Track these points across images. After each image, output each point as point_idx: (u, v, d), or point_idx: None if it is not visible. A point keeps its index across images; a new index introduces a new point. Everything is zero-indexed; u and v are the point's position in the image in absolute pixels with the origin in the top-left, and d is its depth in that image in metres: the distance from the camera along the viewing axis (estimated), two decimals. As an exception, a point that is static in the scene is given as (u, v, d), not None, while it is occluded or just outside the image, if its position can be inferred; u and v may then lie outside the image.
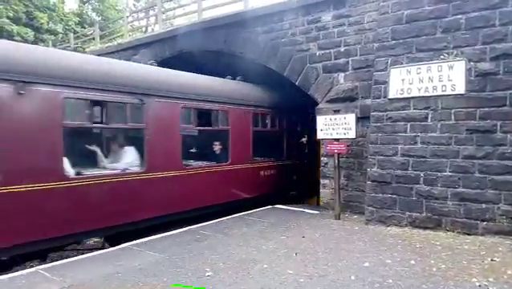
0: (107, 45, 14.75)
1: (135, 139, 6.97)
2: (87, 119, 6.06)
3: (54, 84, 5.50)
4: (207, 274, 4.61)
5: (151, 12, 20.72)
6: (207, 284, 4.29)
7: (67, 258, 5.70)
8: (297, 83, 9.08)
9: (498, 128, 6.03)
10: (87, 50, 15.33)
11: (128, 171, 6.59)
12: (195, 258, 5.23)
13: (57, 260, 5.58)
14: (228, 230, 6.72)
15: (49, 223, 5.47)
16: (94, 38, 17.69)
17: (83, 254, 5.81)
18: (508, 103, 5.98)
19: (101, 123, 6.27)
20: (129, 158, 6.83)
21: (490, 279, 4.24)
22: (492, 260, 4.86)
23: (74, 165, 5.91)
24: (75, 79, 5.74)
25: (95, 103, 6.05)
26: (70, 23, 24.75)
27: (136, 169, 6.70)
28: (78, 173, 5.92)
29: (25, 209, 5.22)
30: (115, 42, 14.40)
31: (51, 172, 5.48)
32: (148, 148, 6.72)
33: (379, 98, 7.26)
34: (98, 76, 6.10)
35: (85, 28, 24.97)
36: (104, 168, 6.63)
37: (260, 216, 7.98)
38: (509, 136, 5.94)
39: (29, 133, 5.27)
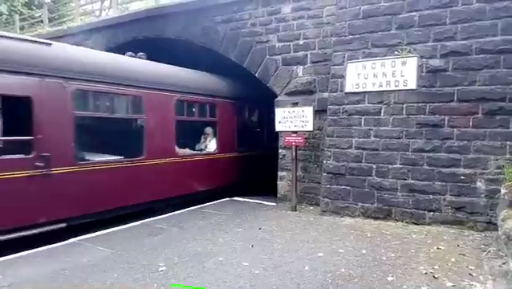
0: (55, 29, 13.84)
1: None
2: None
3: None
4: (160, 269, 4.47)
5: (105, -5, 19.73)
6: (159, 279, 4.16)
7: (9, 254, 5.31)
8: (256, 75, 9.00)
9: (446, 122, 6.32)
10: (34, 33, 14.31)
11: None
12: (148, 252, 5.07)
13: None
14: (183, 224, 6.59)
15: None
16: (42, 21, 16.57)
17: (27, 250, 5.44)
18: (455, 98, 6.28)
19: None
20: None
21: (436, 267, 4.45)
22: (438, 248, 5.11)
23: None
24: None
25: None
26: (15, 4, 22.96)
27: None
28: None
29: None
30: (65, 26, 13.55)
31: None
32: None
33: (336, 92, 7.38)
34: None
35: (33, 10, 23.33)
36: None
37: (217, 208, 7.90)
38: (455, 130, 6.25)
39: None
